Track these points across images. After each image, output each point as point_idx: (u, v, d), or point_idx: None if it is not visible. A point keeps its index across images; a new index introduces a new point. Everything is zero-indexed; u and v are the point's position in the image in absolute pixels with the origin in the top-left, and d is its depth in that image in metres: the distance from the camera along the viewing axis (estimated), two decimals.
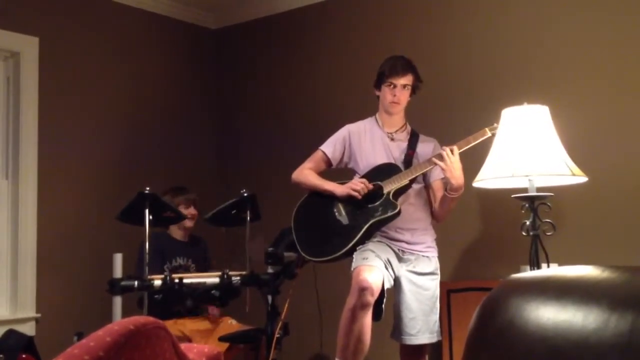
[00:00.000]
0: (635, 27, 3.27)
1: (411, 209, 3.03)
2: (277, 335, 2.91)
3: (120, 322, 1.49)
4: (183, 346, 1.76)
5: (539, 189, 2.67)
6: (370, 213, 2.96)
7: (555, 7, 3.53)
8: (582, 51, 3.42)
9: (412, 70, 3.06)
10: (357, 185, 2.97)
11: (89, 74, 4.30)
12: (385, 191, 2.97)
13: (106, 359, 1.30)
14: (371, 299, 2.80)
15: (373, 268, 2.86)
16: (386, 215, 2.95)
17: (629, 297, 1.03)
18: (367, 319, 2.83)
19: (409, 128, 3.19)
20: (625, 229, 3.14)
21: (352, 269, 2.93)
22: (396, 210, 2.94)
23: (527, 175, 2.64)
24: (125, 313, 3.14)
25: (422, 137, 3.17)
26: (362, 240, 2.96)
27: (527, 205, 2.67)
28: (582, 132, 3.22)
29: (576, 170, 2.65)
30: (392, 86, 3.04)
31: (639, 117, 3.23)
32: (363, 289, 2.78)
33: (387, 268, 2.94)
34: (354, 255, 2.97)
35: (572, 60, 3.45)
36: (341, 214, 3.02)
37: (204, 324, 3.65)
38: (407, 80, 3.05)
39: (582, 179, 2.68)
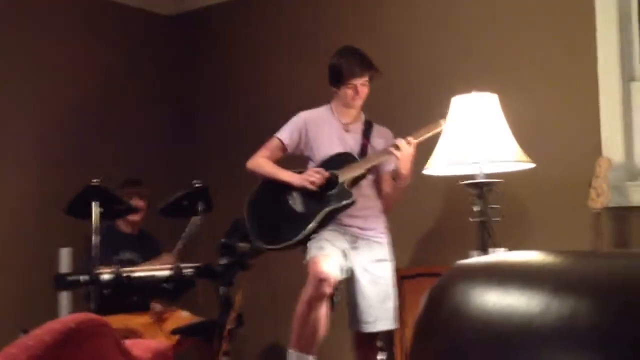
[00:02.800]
0: (582, 13, 3.33)
1: (363, 198, 3.04)
2: (230, 327, 2.89)
3: (60, 320, 1.45)
4: (128, 342, 1.73)
5: (487, 176, 2.70)
6: (325, 201, 2.96)
7: None
8: (529, 39, 3.47)
9: (370, 68, 3.04)
10: (313, 177, 2.96)
11: (35, 60, 4.16)
12: (340, 180, 2.98)
13: (45, 357, 1.26)
14: (329, 290, 2.81)
15: (330, 258, 2.86)
16: (341, 204, 2.95)
17: (571, 281, 1.05)
18: (323, 309, 2.84)
19: (363, 117, 3.19)
20: (571, 215, 3.21)
21: (307, 258, 2.93)
22: (351, 199, 2.95)
23: (475, 162, 2.67)
24: (75, 308, 3.08)
25: (376, 126, 3.18)
26: (317, 229, 2.96)
27: (475, 191, 2.70)
28: (530, 119, 3.28)
29: (523, 156, 2.70)
30: (353, 86, 3.03)
31: (585, 104, 3.30)
32: (321, 280, 2.78)
33: (342, 258, 2.95)
34: (308, 244, 2.97)
35: (520, 48, 3.50)
36: (295, 202, 3.01)
37: (152, 318, 3.59)
38: (366, 77, 3.04)
39: (529, 165, 2.73)
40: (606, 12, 3.25)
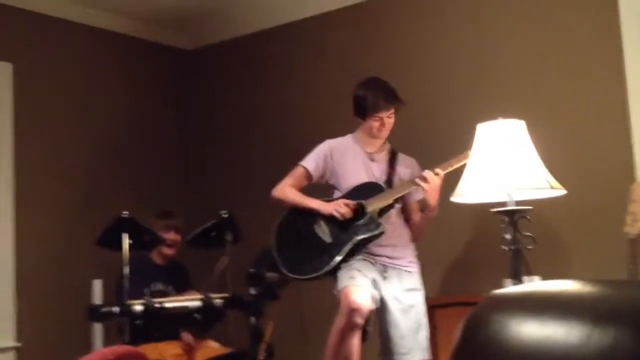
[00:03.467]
0: (609, 36, 3.31)
1: (391, 227, 3.03)
2: (261, 358, 2.87)
3: (99, 352, 1.46)
4: None
5: (517, 203, 2.67)
6: (354, 231, 2.95)
7: (527, 20, 3.57)
8: (555, 64, 3.46)
9: (395, 101, 3.04)
10: (342, 209, 2.96)
11: (62, 99, 4.26)
12: (368, 210, 2.97)
13: None
14: (361, 321, 2.79)
15: (361, 288, 2.84)
16: (371, 234, 2.94)
17: (611, 312, 1.03)
18: (356, 340, 2.81)
19: (388, 146, 3.19)
20: (605, 241, 3.16)
21: (339, 288, 2.91)
22: (380, 229, 2.94)
23: (505, 189, 2.65)
24: (106, 339, 3.10)
25: (401, 155, 3.18)
26: (346, 259, 2.95)
27: (506, 219, 2.67)
28: (559, 145, 3.25)
29: (554, 183, 2.67)
30: (379, 119, 3.04)
31: (616, 128, 3.27)
32: (353, 311, 2.76)
33: (373, 288, 2.93)
34: (338, 274, 2.95)
35: (547, 73, 3.48)
36: (324, 232, 3.01)
37: (183, 349, 3.58)
38: (392, 110, 3.04)
39: (561, 191, 2.69)
40: (633, 35, 3.23)
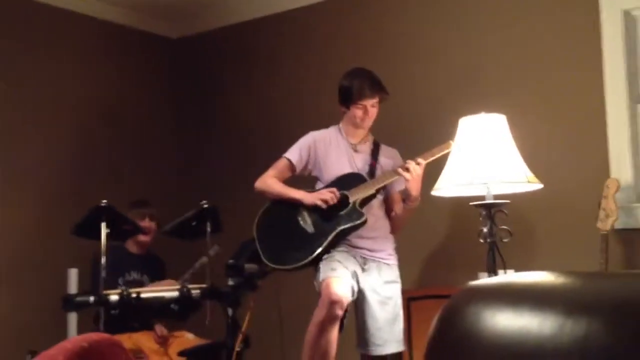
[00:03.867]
0: (589, 36, 3.35)
1: (373, 218, 3.04)
2: (237, 349, 2.87)
3: (73, 339, 1.45)
4: None
5: (496, 197, 2.70)
6: (337, 222, 2.96)
7: (510, 16, 3.60)
8: (537, 60, 3.49)
9: (380, 90, 3.06)
10: (326, 195, 2.96)
11: (45, 84, 4.19)
12: (351, 200, 2.98)
13: None
14: (341, 313, 2.80)
15: (342, 280, 2.85)
16: (353, 224, 2.95)
17: (585, 303, 1.04)
18: (335, 332, 2.82)
19: (371, 138, 3.20)
20: (579, 236, 3.20)
21: (319, 279, 2.92)
22: (362, 219, 2.95)
23: (484, 183, 2.67)
24: (81, 329, 3.07)
25: (383, 147, 3.20)
26: (328, 249, 2.96)
27: (484, 212, 2.70)
28: (538, 140, 3.28)
29: (532, 177, 2.69)
30: (363, 107, 3.04)
31: (593, 125, 3.30)
32: (333, 302, 2.77)
33: (352, 280, 2.94)
34: (320, 265, 2.96)
35: (528, 69, 3.51)
36: (306, 222, 3.01)
37: (159, 339, 3.56)
38: (376, 99, 3.05)
39: (538, 185, 2.72)
40: (613, 34, 3.27)
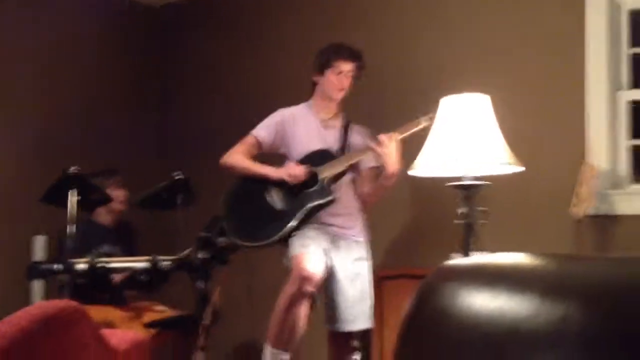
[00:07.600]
0: (573, 20, 3.33)
1: (343, 196, 3.01)
2: (207, 322, 2.84)
3: (38, 305, 1.41)
4: (106, 332, 1.68)
5: (475, 178, 2.68)
6: (306, 199, 2.92)
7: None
8: (520, 41, 3.47)
9: (358, 58, 3.02)
10: (294, 170, 2.92)
11: (13, 49, 4.06)
12: (320, 177, 2.94)
13: (22, 343, 1.21)
14: (312, 288, 2.79)
15: (314, 256, 2.83)
16: (322, 202, 2.92)
17: (561, 285, 1.03)
18: (304, 308, 2.81)
19: (342, 115, 3.16)
20: (554, 221, 3.21)
21: (290, 255, 2.89)
22: (331, 197, 2.92)
23: (463, 164, 2.65)
24: (49, 299, 3.01)
25: (355, 126, 3.15)
26: (298, 226, 2.92)
27: (462, 193, 2.68)
28: (519, 122, 3.26)
29: (513, 159, 2.67)
30: (338, 72, 2.99)
31: (572, 110, 3.30)
32: (304, 278, 2.76)
33: (324, 256, 2.92)
34: (290, 241, 2.93)
35: (511, 50, 3.49)
36: (274, 199, 2.97)
37: (128, 310, 3.52)
38: (353, 66, 3.01)
39: (519, 168, 2.71)
40: (596, 20, 3.26)
